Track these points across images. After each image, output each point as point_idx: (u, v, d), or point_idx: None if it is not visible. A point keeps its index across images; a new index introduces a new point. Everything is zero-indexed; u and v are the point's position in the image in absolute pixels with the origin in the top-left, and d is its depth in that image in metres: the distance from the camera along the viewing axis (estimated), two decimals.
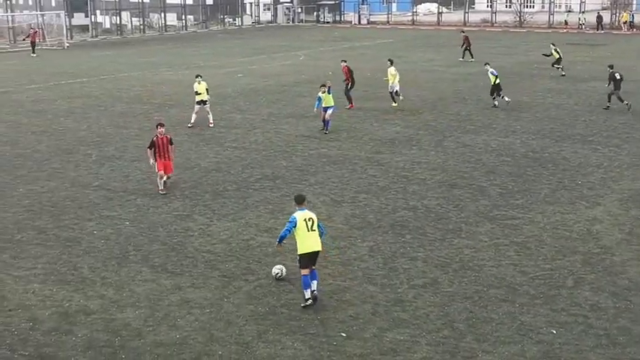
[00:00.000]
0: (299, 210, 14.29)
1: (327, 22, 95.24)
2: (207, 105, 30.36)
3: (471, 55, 51.69)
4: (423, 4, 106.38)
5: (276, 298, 14.38)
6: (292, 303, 14.13)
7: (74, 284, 15.13)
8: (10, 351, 12.51)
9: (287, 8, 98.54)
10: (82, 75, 47.23)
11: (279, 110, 33.94)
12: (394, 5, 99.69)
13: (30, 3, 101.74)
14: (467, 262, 16.05)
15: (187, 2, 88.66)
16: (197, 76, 30.65)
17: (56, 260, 16.39)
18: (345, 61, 35.46)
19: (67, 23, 74.83)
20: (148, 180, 22.58)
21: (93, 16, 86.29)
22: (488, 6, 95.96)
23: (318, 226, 14.32)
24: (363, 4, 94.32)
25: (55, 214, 19.59)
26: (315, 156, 25.41)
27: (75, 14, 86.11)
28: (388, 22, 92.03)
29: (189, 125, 30.01)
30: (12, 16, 76.18)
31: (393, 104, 34.36)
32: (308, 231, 14.05)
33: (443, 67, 48.65)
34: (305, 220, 14.08)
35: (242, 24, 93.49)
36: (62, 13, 73.93)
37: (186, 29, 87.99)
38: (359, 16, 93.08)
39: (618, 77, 32.86)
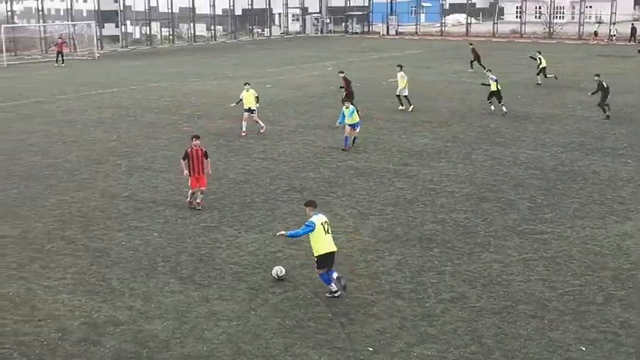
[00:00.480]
0: (314, 215, 14.98)
1: (356, 33, 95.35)
2: (255, 114, 30.95)
3: (471, 66, 52.18)
4: (451, 15, 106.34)
5: (303, 311, 14.38)
6: (319, 316, 14.12)
7: (103, 295, 15.23)
8: None
9: (315, 19, 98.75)
10: (112, 85, 47.64)
11: (307, 121, 34.02)
12: (423, 16, 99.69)
13: (62, 13, 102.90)
14: (495, 277, 15.96)
15: (216, 13, 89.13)
16: (245, 84, 31.34)
17: (85, 271, 16.52)
18: (343, 72, 36.48)
19: (98, 34, 75.56)
20: (176, 191, 22.71)
21: (123, 27, 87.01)
22: (517, 17, 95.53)
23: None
24: (391, 15, 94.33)
25: (85, 224, 19.75)
26: (343, 168, 25.42)
27: (105, 25, 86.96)
28: (417, 32, 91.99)
29: (242, 134, 30.57)
30: (44, 26, 77.02)
31: (400, 107, 36.18)
32: (325, 234, 14.84)
33: (471, 79, 48.40)
34: (322, 223, 14.86)
35: (271, 34, 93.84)
36: (93, 23, 74.64)
37: (215, 40, 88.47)
38: (387, 27, 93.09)
39: (606, 86, 33.94)
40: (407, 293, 15.17)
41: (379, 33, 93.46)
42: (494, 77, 35.44)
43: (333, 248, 14.94)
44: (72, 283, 15.86)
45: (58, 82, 50.03)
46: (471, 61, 52.62)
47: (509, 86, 44.20)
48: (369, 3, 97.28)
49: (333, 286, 14.92)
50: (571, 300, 14.78)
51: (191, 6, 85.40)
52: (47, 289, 15.53)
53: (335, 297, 14.84)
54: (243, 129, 30.82)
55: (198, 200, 20.93)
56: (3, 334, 13.56)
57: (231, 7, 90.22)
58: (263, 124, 31.32)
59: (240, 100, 30.97)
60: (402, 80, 36.22)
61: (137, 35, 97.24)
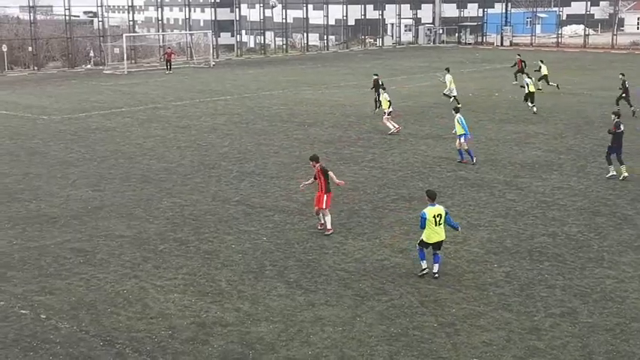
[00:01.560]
0: (430, 206, 16.22)
1: (469, 44, 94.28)
2: (389, 115, 33.50)
3: (515, 77, 50.80)
4: (568, 26, 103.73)
5: (409, 319, 14.30)
6: (425, 325, 14.01)
7: (212, 296, 15.56)
8: (150, 357, 12.97)
9: (428, 29, 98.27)
10: (226, 93, 48.70)
11: (417, 131, 33.86)
12: (538, 27, 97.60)
13: (180, 23, 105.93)
14: (608, 293, 15.46)
15: (330, 23, 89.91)
16: (384, 89, 34.61)
17: (196, 272, 16.91)
18: (377, 75, 39.99)
19: (214, 42, 77.41)
20: (285, 197, 23.00)
21: (238, 36, 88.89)
22: (638, 28, 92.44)
23: (448, 220, 16.35)
24: (506, 26, 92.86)
25: (196, 227, 20.23)
26: (453, 178, 25.17)
27: (221, 34, 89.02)
28: (532, 44, 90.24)
29: (396, 131, 33.04)
30: (162, 35, 79.46)
31: (458, 104, 37.22)
32: (435, 225, 16.07)
33: (588, 91, 47.15)
34: (434, 216, 16.06)
35: (383, 45, 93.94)
36: (209, 32, 76.55)
37: (327, 49, 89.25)
38: (501, 38, 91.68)
39: (627, 86, 37.27)
40: (515, 306, 14.88)
41: (493, 44, 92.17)
42: (530, 81, 38.54)
43: (439, 239, 16.19)
44: (183, 283, 16.27)
45: (175, 89, 51.51)
46: (515, 73, 51.45)
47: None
48: (483, 13, 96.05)
49: (423, 264, 16.28)
50: None
51: (305, 16, 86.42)
52: (159, 289, 15.98)
53: (422, 274, 16.20)
54: (396, 126, 33.16)
55: (322, 221, 19.74)
56: (117, 329, 14.04)
57: (344, 18, 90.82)
58: (393, 127, 33.12)
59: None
60: (451, 82, 40.89)
61: (251, 44, 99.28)
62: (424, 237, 16.20)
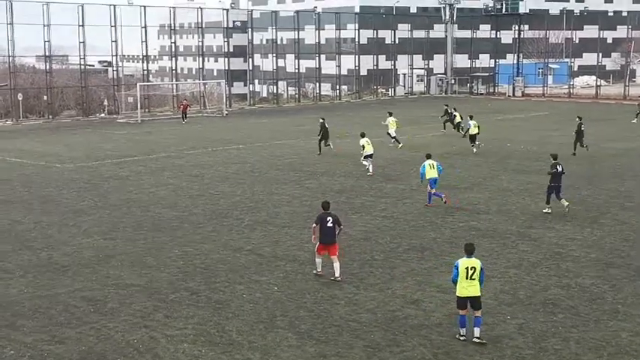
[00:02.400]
0: (466, 257, 15.68)
1: (481, 94, 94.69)
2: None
3: (444, 126, 53.11)
4: (580, 77, 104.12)
5: None
6: None
7: (222, 346, 15.44)
8: None
9: (440, 79, 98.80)
10: (238, 141, 48.92)
11: None
12: (550, 78, 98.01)
13: (193, 72, 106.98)
14: (624, 347, 15.26)
15: (342, 73, 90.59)
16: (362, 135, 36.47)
17: (206, 322, 16.81)
18: (323, 119, 43.59)
19: (227, 92, 77.99)
20: (297, 246, 22.94)
21: (251, 86, 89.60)
22: None
23: (480, 278, 15.64)
24: (517, 77, 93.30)
25: (207, 276, 20.16)
26: (465, 228, 25.07)
27: (234, 83, 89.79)
28: (543, 94, 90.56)
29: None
30: (176, 84, 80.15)
31: (399, 145, 43.99)
32: (467, 279, 15.48)
33: (600, 142, 47.08)
34: (467, 268, 15.51)
35: (395, 94, 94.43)
36: (223, 82, 77.21)
37: (339, 99, 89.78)
38: (513, 88, 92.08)
39: (582, 129, 40.75)
40: (529, 359, 14.69)
41: (505, 94, 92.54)
42: (475, 123, 42.18)
43: (468, 294, 15.48)
44: (193, 333, 16.17)
45: (188, 137, 51.81)
46: (444, 122, 53.25)
47: (638, 149, 42.86)
48: (495, 64, 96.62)
49: (462, 331, 15.57)
50: None
51: (317, 66, 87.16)
52: (169, 338, 15.88)
53: (459, 339, 15.52)
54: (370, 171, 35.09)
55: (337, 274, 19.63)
56: None
57: (357, 68, 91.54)
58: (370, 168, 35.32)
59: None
60: (392, 124, 44.82)
61: (264, 94, 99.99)
62: (458, 292, 15.60)
